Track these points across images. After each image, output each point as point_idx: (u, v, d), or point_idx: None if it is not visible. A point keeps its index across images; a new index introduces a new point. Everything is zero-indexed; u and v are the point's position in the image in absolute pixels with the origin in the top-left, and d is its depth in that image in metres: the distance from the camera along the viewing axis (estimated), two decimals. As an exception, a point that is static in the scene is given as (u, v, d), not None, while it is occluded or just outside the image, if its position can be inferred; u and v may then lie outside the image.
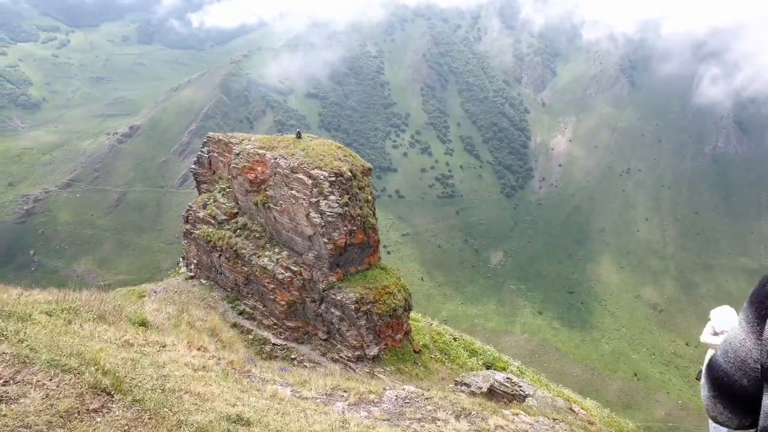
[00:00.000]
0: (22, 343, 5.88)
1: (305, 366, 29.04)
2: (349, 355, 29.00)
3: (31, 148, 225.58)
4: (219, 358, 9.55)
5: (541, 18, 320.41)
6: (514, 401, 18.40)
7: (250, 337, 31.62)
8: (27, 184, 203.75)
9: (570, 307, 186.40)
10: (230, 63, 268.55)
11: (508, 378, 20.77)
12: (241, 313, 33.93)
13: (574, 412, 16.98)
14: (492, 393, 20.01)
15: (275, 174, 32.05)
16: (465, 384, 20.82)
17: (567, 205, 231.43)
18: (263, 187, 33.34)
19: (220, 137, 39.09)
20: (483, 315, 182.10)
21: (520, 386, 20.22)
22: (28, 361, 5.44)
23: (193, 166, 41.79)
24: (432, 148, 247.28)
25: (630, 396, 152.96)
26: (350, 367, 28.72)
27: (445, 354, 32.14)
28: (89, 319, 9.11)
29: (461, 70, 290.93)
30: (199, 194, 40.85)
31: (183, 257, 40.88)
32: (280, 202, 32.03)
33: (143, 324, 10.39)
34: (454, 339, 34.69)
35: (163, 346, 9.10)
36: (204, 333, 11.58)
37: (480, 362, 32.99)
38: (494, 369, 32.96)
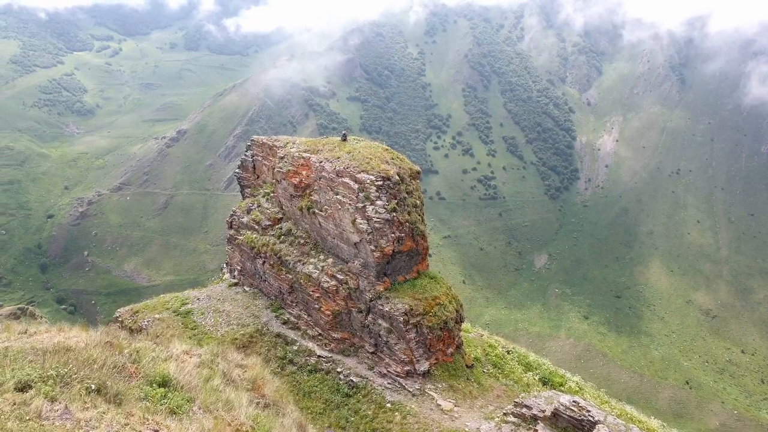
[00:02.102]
0: None
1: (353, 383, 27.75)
2: (398, 370, 27.52)
3: (86, 152, 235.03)
4: None
5: (581, 18, 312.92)
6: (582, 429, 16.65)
7: (295, 348, 30.69)
8: (81, 187, 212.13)
9: (617, 312, 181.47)
10: (273, 68, 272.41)
11: (574, 401, 18.92)
12: (285, 323, 32.98)
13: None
14: (557, 418, 18.27)
15: (320, 178, 31.05)
16: (526, 406, 19.14)
17: (614, 207, 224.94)
18: (308, 191, 32.37)
19: (264, 140, 38.39)
20: (527, 319, 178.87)
21: (588, 411, 18.36)
22: None
23: (238, 170, 41.30)
24: (474, 149, 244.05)
25: (682, 405, 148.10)
26: (399, 383, 27.34)
27: (499, 368, 30.32)
28: (82, 393, 7.07)
29: (504, 70, 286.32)
30: (243, 199, 40.33)
31: (227, 263, 40.45)
32: (326, 207, 31.00)
33: (164, 384, 8.48)
34: (508, 352, 32.78)
35: None
36: (242, 390, 9.73)
37: (536, 377, 31.08)
38: (551, 384, 31.07)
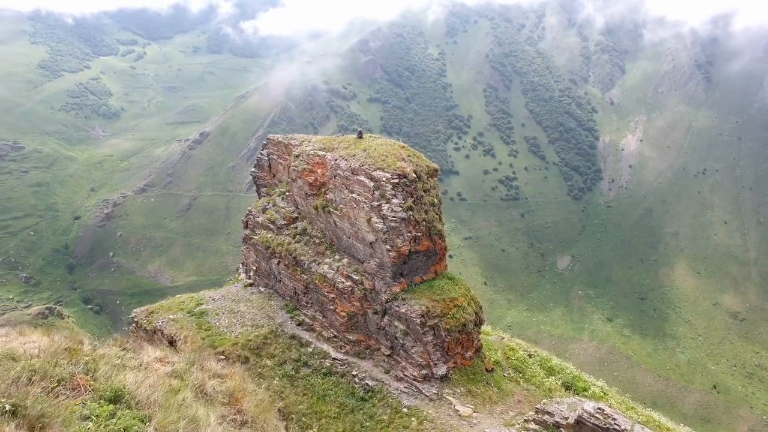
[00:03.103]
0: None
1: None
2: (415, 373, 26.67)
3: (111, 155, 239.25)
4: None
5: (602, 17, 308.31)
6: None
7: (309, 350, 30.10)
8: (107, 189, 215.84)
9: (642, 314, 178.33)
10: (294, 70, 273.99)
11: (599, 408, 17.92)
12: (300, 324, 32.34)
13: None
14: (580, 426, 17.31)
15: (335, 176, 30.43)
16: (548, 413, 18.22)
17: (638, 208, 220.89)
18: (323, 190, 31.80)
19: (280, 139, 37.95)
20: (549, 321, 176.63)
21: (614, 419, 17.34)
22: None
23: (253, 170, 40.96)
24: (495, 150, 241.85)
25: (709, 410, 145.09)
26: (416, 387, 26.54)
27: (520, 372, 29.32)
28: None
29: (525, 69, 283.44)
30: (259, 198, 39.99)
31: (243, 263, 40.17)
32: (341, 206, 30.36)
33: (116, 399, 7.14)
34: (529, 355, 31.72)
35: None
36: (216, 405, 8.41)
37: (558, 382, 29.98)
38: (574, 389, 29.96)
